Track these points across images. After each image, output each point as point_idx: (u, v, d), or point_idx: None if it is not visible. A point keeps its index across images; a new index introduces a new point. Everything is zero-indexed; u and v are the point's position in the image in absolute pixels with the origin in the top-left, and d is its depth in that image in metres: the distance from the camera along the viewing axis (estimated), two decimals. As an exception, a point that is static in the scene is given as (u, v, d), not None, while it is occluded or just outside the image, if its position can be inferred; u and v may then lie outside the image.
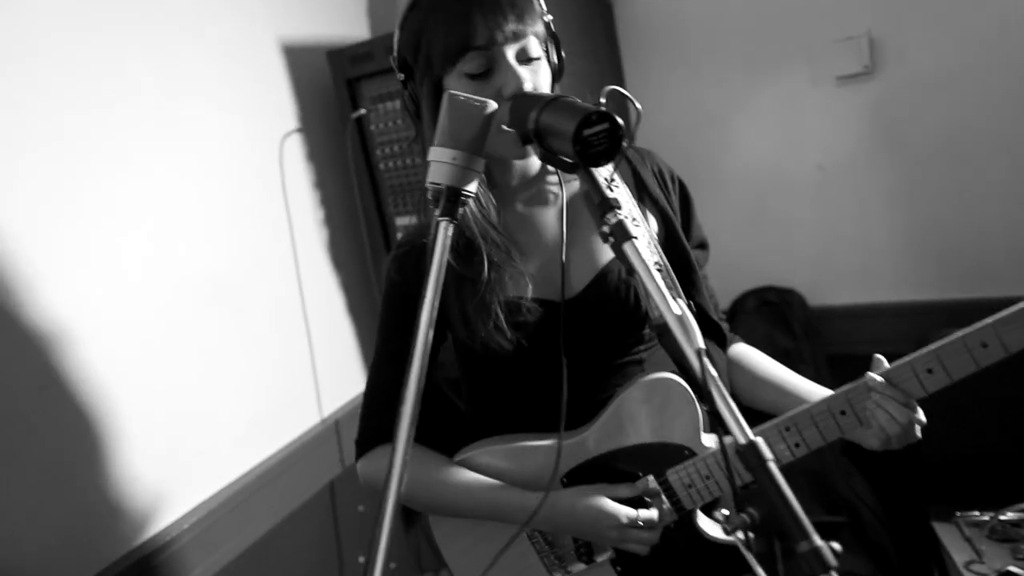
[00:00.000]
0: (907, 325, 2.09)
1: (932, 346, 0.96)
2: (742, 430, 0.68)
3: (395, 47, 1.04)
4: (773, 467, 0.66)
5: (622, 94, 0.84)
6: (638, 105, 0.83)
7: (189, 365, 1.66)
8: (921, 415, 1.00)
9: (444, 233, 0.80)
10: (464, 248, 1.03)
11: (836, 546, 0.65)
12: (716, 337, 1.21)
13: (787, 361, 2.11)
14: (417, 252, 1.08)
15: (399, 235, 2.07)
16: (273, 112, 1.99)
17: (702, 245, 1.22)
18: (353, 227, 2.18)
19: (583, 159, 0.76)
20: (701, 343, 0.72)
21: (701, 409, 1.08)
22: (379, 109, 2.00)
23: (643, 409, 1.06)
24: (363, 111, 2.00)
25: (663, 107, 2.27)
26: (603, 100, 0.78)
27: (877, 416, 0.98)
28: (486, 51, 0.95)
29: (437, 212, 0.81)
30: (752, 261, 2.26)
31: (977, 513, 1.83)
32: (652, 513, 1.05)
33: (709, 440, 1.10)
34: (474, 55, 0.95)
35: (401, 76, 1.05)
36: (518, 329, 1.02)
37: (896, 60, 1.97)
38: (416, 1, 1.01)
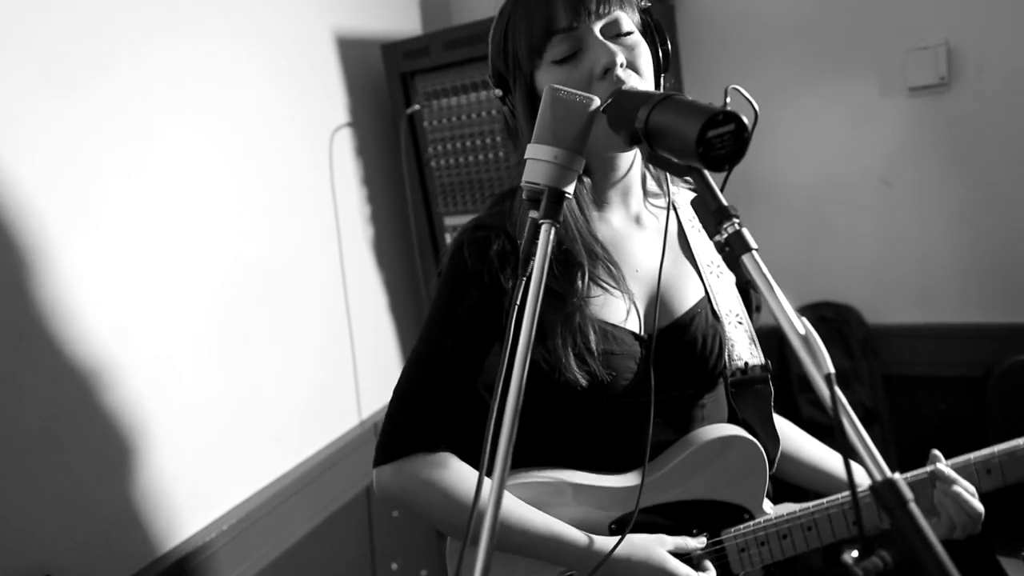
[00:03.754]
0: (969, 348, 2.01)
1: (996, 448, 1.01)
2: (878, 466, 0.62)
3: (489, 62, 1.00)
4: (914, 508, 0.59)
5: (741, 94, 0.78)
6: (756, 106, 0.77)
7: (231, 361, 1.62)
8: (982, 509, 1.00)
9: (547, 237, 0.74)
10: (565, 258, 0.94)
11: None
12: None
13: (843, 380, 2.06)
14: (501, 240, 0.96)
15: (447, 236, 2.02)
16: (324, 105, 1.95)
17: (757, 308, 1.17)
18: (399, 226, 2.14)
19: (706, 162, 0.70)
20: (830, 367, 0.65)
21: (768, 474, 1.04)
22: (433, 105, 1.95)
23: (713, 464, 1.00)
24: (417, 107, 1.95)
25: (721, 113, 2.20)
26: (728, 100, 0.72)
27: (946, 506, 0.98)
28: (571, 32, 0.90)
29: (538, 214, 0.75)
30: (809, 275, 2.18)
31: (1043, 549, 1.75)
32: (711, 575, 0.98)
33: (769, 507, 1.05)
34: (559, 39, 0.91)
35: (498, 92, 1.00)
36: (603, 358, 0.94)
37: (975, 72, 1.89)
38: (502, 7, 0.98)
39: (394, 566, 2.06)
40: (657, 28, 0.97)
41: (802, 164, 2.13)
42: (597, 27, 0.91)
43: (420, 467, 0.96)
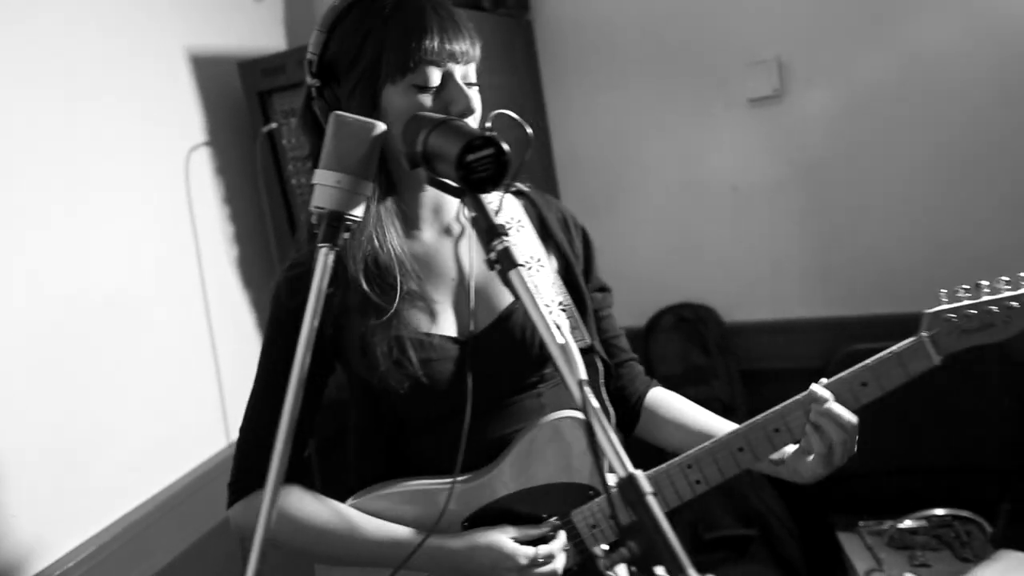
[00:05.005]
0: (815, 340, 2.15)
1: (868, 361, 0.99)
2: (622, 463, 0.67)
3: (316, 49, 0.99)
4: (651, 501, 0.65)
5: (512, 118, 0.83)
6: (529, 129, 0.82)
7: (76, 391, 1.57)
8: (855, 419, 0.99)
9: (324, 261, 0.77)
10: (379, 274, 0.99)
11: (714, 580, 0.63)
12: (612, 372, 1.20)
13: (701, 377, 2.17)
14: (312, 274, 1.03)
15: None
16: (179, 124, 1.92)
17: (603, 288, 1.22)
18: (264, 244, 2.12)
19: (467, 184, 0.75)
20: (583, 374, 0.70)
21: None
22: (291, 123, 1.94)
23: (549, 449, 1.04)
24: (274, 125, 1.95)
25: (582, 125, 2.29)
26: (488, 124, 0.77)
27: (823, 425, 0.97)
28: (440, 67, 0.94)
29: (318, 238, 0.78)
30: (669, 278, 2.29)
31: (875, 522, 1.90)
32: (552, 547, 1.02)
33: (615, 480, 1.08)
34: (431, 68, 0.94)
35: (316, 82, 1.00)
36: (422, 365, 0.99)
37: (804, 84, 2.04)
38: (354, 3, 0.97)
39: (272, 588, 2.03)
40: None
41: (658, 172, 2.25)
42: (459, 73, 0.96)
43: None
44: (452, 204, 1.09)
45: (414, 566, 1.01)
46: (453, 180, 0.77)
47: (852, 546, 1.85)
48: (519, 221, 1.14)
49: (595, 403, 0.69)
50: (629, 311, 2.31)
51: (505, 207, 1.14)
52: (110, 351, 1.66)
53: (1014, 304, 0.95)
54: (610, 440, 0.68)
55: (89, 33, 1.67)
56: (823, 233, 2.14)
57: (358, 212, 0.81)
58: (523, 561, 1.00)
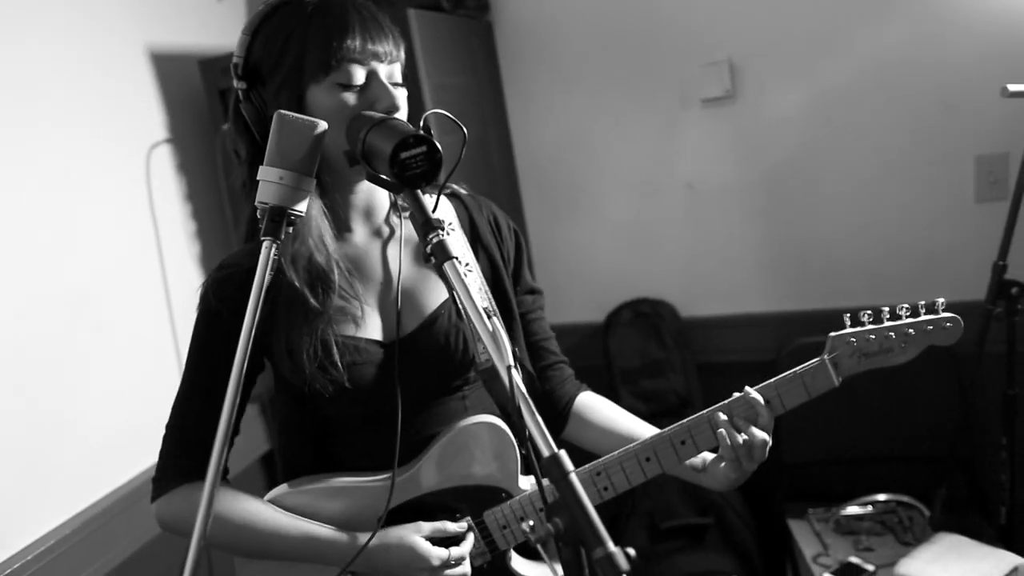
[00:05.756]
0: (768, 334, 2.22)
1: (771, 380, 1.03)
2: (547, 444, 0.71)
3: (241, 52, 0.99)
4: (574, 479, 0.69)
5: (449, 118, 0.87)
6: (464, 129, 0.86)
7: (42, 386, 1.58)
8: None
9: (267, 254, 0.79)
10: (315, 276, 1.00)
11: (631, 551, 0.66)
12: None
13: (659, 370, 2.22)
14: (242, 275, 1.00)
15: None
16: (139, 122, 1.93)
17: (534, 291, 1.23)
18: (226, 241, 2.13)
19: (401, 181, 0.78)
20: (511, 360, 0.74)
21: (520, 453, 1.10)
22: (252, 121, 1.96)
23: (464, 451, 1.07)
24: (235, 123, 1.96)
25: (542, 125, 2.33)
26: (422, 123, 0.81)
27: (752, 432, 1.01)
28: (363, 65, 0.95)
29: (262, 232, 0.81)
30: (627, 274, 2.34)
31: (823, 510, 1.96)
32: (463, 550, 1.06)
33: (526, 483, 1.12)
34: (355, 66, 0.95)
35: (243, 85, 1.00)
36: (347, 367, 1.00)
37: (755, 86, 2.10)
38: (278, 7, 0.99)
39: (235, 582, 2.05)
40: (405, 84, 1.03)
41: (617, 170, 2.29)
42: (383, 71, 0.97)
43: (185, 495, 1.03)
44: (383, 207, 1.10)
45: (330, 562, 1.04)
46: (389, 177, 0.80)
47: (801, 533, 1.92)
48: (450, 223, 1.15)
49: (523, 387, 0.73)
50: (588, 306, 2.37)
51: (438, 209, 1.16)
52: (72, 348, 1.67)
53: (911, 331, 0.99)
54: (536, 423, 0.72)
55: (48, 31, 1.68)
56: (776, 230, 2.21)
57: (301, 207, 0.84)
58: (436, 562, 1.02)
